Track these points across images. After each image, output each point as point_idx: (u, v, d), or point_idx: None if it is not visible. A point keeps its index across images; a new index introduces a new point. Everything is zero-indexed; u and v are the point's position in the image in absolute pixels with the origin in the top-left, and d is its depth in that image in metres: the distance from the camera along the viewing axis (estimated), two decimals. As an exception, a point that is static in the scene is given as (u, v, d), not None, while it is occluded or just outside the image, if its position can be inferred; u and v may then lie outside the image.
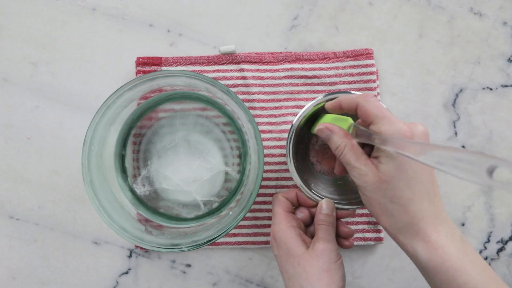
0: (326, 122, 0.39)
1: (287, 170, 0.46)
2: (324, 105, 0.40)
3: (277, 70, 0.47)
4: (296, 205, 0.41)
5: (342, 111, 0.37)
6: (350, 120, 0.37)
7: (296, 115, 0.47)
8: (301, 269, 0.36)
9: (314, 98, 0.46)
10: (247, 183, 0.41)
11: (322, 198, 0.40)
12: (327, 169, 0.46)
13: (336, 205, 0.40)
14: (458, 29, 0.48)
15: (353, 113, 0.36)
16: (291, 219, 0.39)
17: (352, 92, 0.39)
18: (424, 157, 0.27)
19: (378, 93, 0.47)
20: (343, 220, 0.46)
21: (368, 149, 0.36)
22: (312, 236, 0.39)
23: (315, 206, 0.40)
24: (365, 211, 0.46)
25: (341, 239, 0.40)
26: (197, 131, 0.45)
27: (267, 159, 0.46)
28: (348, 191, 0.43)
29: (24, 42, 0.48)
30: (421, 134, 0.32)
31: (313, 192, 0.40)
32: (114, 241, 0.47)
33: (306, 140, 0.45)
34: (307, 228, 0.41)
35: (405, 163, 0.32)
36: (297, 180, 0.40)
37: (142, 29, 0.48)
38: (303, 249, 0.36)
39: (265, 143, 0.46)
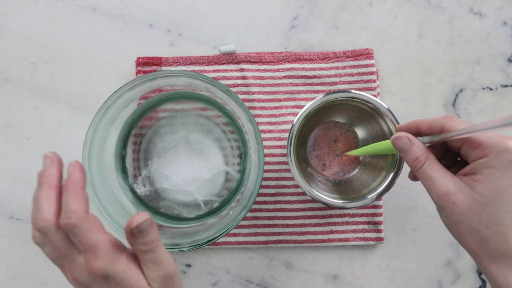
0: (370, 148, 0.38)
1: (287, 170, 0.46)
2: (323, 106, 0.40)
3: (277, 70, 0.47)
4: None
5: (418, 134, 0.33)
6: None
7: (296, 115, 0.47)
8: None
9: (314, 98, 0.47)
10: (247, 183, 0.41)
11: (326, 198, 0.40)
12: (328, 169, 0.46)
13: (338, 205, 0.40)
14: (458, 29, 0.48)
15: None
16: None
17: (353, 91, 0.39)
18: None
19: (378, 93, 0.47)
20: (346, 215, 0.46)
21: (452, 169, 0.31)
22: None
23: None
24: (365, 211, 0.46)
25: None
26: (198, 131, 0.45)
27: (267, 159, 0.46)
28: (349, 191, 0.43)
29: (24, 42, 0.48)
30: None
31: (315, 192, 0.40)
32: (114, 241, 0.47)
33: (306, 140, 0.45)
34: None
35: (508, 185, 0.27)
36: (298, 180, 0.40)
37: (142, 29, 0.48)
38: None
39: (265, 143, 0.46)
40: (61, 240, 0.28)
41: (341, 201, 0.40)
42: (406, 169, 0.39)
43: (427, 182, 0.30)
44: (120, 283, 0.27)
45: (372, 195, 0.40)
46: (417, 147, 0.31)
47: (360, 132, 0.45)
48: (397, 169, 0.40)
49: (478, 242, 0.29)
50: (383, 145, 0.37)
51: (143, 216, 0.28)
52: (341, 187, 0.44)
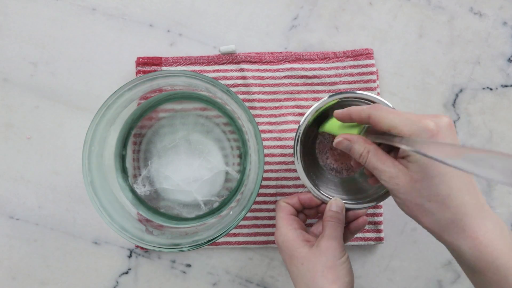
0: (334, 127, 0.39)
1: (287, 170, 0.46)
2: (329, 105, 0.40)
3: (277, 70, 0.47)
4: (300, 209, 0.41)
5: (351, 121, 0.36)
6: (359, 125, 0.36)
7: (297, 115, 0.47)
8: (305, 268, 0.35)
9: (314, 98, 0.47)
10: (247, 183, 0.41)
11: (331, 198, 0.40)
12: (334, 169, 0.46)
13: (346, 205, 0.40)
14: (458, 29, 0.48)
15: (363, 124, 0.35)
16: (292, 221, 0.39)
17: (357, 91, 0.39)
18: (458, 161, 0.24)
19: (378, 93, 0.47)
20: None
21: (393, 152, 0.34)
22: (319, 234, 0.39)
23: (321, 205, 0.40)
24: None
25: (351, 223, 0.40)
26: (198, 131, 0.45)
27: (267, 159, 0.46)
28: (356, 191, 0.43)
29: (24, 42, 0.48)
30: (448, 128, 0.30)
31: (321, 193, 0.40)
32: (114, 241, 0.47)
33: (311, 140, 0.45)
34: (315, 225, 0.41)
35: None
36: (305, 180, 0.40)
37: (142, 29, 0.48)
38: (306, 249, 0.36)
39: (265, 143, 0.46)
40: None
41: (349, 202, 0.40)
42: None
43: (374, 172, 0.33)
44: None
45: (378, 195, 0.40)
46: (358, 145, 0.35)
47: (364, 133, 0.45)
48: None
49: (425, 216, 0.31)
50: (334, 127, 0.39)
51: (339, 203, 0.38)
52: (349, 187, 0.44)
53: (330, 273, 0.35)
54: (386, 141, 0.32)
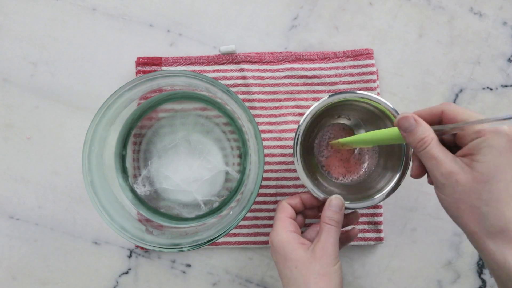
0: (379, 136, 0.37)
1: (287, 170, 0.46)
2: (329, 105, 0.40)
3: (277, 70, 0.47)
4: (301, 209, 0.41)
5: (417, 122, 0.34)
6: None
7: (297, 115, 0.47)
8: (298, 272, 0.35)
9: (314, 98, 0.47)
10: (247, 182, 0.41)
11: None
12: (333, 169, 0.46)
13: (349, 205, 0.40)
14: (458, 29, 0.48)
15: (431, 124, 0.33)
16: (289, 224, 0.38)
17: (358, 91, 0.39)
18: None
19: (378, 93, 0.47)
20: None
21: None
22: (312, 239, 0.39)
23: (323, 205, 0.39)
24: (365, 211, 0.46)
25: (344, 230, 0.40)
26: (198, 131, 0.45)
27: (267, 159, 0.46)
28: (355, 191, 0.43)
29: (24, 42, 0.48)
30: None
31: (321, 193, 0.40)
32: (114, 241, 0.47)
33: (311, 141, 0.45)
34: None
35: (505, 163, 0.29)
36: (305, 180, 0.40)
37: (142, 29, 0.48)
38: (301, 252, 0.36)
39: (265, 143, 0.46)
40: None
41: (347, 202, 0.40)
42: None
43: (431, 162, 0.31)
44: None
45: (379, 195, 0.40)
46: (423, 127, 0.32)
47: (361, 130, 0.45)
48: (403, 169, 0.40)
49: (478, 219, 0.30)
50: (384, 133, 0.36)
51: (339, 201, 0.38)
52: (347, 187, 0.44)
53: (323, 280, 0.34)
54: (457, 126, 0.30)
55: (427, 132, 0.32)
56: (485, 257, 0.30)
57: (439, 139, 0.33)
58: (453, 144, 0.34)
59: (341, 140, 0.42)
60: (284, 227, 0.38)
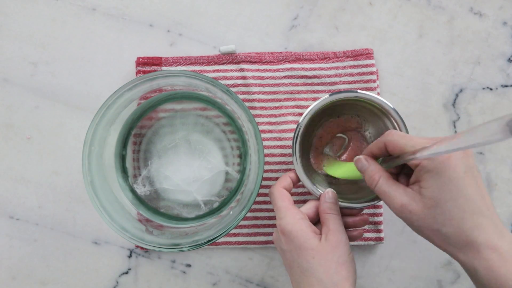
0: (348, 171, 0.40)
1: (287, 170, 0.46)
2: (327, 105, 0.40)
3: (277, 70, 0.47)
4: (292, 188, 0.41)
5: (377, 157, 0.37)
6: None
7: (297, 115, 0.47)
8: (316, 262, 0.35)
9: (314, 98, 0.47)
10: (247, 182, 0.41)
11: None
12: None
13: (343, 205, 0.40)
14: (458, 29, 0.48)
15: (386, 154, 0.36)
16: (297, 211, 0.38)
17: (359, 91, 0.39)
18: (457, 143, 0.26)
19: (378, 93, 0.47)
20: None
21: (404, 180, 0.35)
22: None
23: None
24: (364, 210, 0.46)
25: (349, 230, 0.40)
26: (197, 131, 0.45)
27: (267, 159, 0.46)
28: (352, 191, 0.43)
29: (24, 42, 0.48)
30: (462, 153, 0.31)
31: (320, 192, 0.40)
32: (114, 241, 0.47)
33: (309, 140, 0.45)
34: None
35: (447, 183, 0.30)
36: (304, 179, 0.40)
37: (142, 29, 0.48)
38: (316, 241, 0.36)
39: (265, 143, 0.46)
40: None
41: (346, 201, 0.40)
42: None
43: (384, 197, 0.34)
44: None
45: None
46: (372, 167, 0.35)
47: (366, 132, 0.45)
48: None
49: (442, 240, 0.32)
50: (351, 170, 0.39)
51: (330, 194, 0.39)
52: (346, 186, 0.44)
53: (343, 269, 0.35)
54: (398, 161, 0.33)
55: (375, 171, 0.35)
56: (461, 266, 0.32)
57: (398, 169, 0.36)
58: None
59: (328, 170, 0.43)
60: (294, 216, 0.37)
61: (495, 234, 0.30)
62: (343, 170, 0.41)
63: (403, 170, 0.37)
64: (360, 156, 0.37)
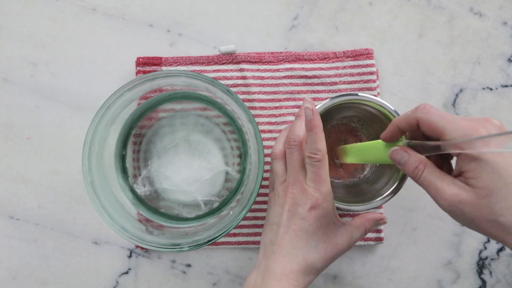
0: (356, 148, 0.38)
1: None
2: (330, 108, 0.40)
3: (277, 70, 0.47)
4: None
5: (400, 134, 0.34)
6: (401, 138, 0.34)
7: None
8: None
9: (314, 98, 0.47)
10: (247, 182, 0.41)
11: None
12: (334, 171, 0.45)
13: (351, 207, 0.39)
14: (458, 29, 0.48)
15: (410, 132, 0.33)
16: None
17: (360, 94, 0.39)
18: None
19: (378, 93, 0.47)
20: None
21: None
22: None
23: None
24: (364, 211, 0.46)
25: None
26: (198, 131, 0.45)
27: (267, 159, 0.46)
28: (356, 192, 0.43)
29: (24, 42, 0.48)
30: (497, 129, 0.29)
31: None
32: (114, 241, 0.47)
33: None
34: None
35: (497, 170, 0.28)
36: None
37: (142, 29, 0.48)
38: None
39: (265, 143, 0.46)
40: (298, 160, 0.36)
41: (347, 204, 0.40)
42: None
43: (430, 189, 0.31)
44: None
45: (380, 198, 0.40)
46: (414, 157, 0.32)
47: (368, 134, 0.45)
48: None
49: (501, 230, 0.29)
50: (376, 154, 0.37)
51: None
52: (348, 189, 0.44)
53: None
54: (438, 151, 0.30)
55: (419, 161, 0.31)
56: None
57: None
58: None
59: (346, 146, 0.41)
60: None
61: None
62: (364, 154, 0.38)
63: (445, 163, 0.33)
64: (397, 147, 0.33)
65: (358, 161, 0.40)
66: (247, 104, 0.47)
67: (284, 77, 0.47)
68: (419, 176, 0.31)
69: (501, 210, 0.28)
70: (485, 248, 0.47)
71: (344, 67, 0.47)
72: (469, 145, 0.27)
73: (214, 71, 0.47)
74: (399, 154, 0.32)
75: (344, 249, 0.36)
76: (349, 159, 0.41)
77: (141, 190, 0.43)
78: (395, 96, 0.48)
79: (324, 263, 0.35)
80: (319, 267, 0.35)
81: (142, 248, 0.47)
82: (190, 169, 0.44)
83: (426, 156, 0.32)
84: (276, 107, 0.47)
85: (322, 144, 0.35)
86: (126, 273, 0.47)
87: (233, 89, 0.47)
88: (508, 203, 0.28)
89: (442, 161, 0.33)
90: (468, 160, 0.29)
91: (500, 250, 0.47)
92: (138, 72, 0.47)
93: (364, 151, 0.39)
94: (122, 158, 0.44)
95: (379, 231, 0.46)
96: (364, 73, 0.46)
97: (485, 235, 0.31)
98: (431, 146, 0.30)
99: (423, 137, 0.33)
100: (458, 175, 0.30)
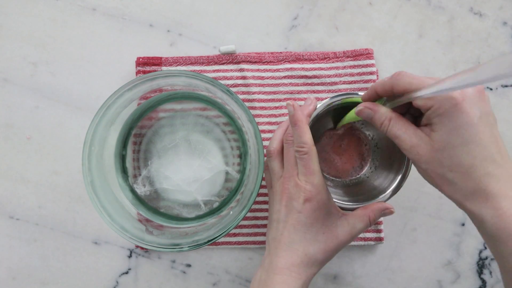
0: (352, 115, 0.38)
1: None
2: (328, 109, 0.40)
3: (277, 70, 0.47)
4: None
5: (378, 97, 0.35)
6: (380, 100, 0.35)
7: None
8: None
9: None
10: (247, 182, 0.41)
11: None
12: (335, 170, 0.45)
13: (348, 206, 0.39)
14: (458, 29, 0.48)
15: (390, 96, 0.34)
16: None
17: (360, 93, 0.39)
18: (465, 79, 0.24)
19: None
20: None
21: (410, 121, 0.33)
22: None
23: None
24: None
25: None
26: (197, 131, 0.45)
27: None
28: (356, 192, 0.43)
29: (24, 42, 0.48)
30: (476, 95, 0.29)
31: None
32: (114, 241, 0.47)
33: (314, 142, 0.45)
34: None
35: (459, 127, 0.29)
36: None
37: (142, 29, 0.48)
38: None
39: (265, 143, 0.46)
40: (293, 156, 0.36)
41: (347, 203, 0.40)
42: (413, 171, 0.39)
43: (395, 140, 0.32)
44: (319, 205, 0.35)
45: (381, 197, 0.40)
46: (379, 113, 0.33)
47: (369, 133, 0.45)
48: (405, 171, 0.40)
49: (448, 185, 0.30)
50: (353, 115, 0.38)
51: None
52: (348, 189, 0.44)
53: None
54: (402, 100, 0.31)
55: (383, 116, 0.33)
56: (468, 215, 0.31)
57: (406, 108, 0.34)
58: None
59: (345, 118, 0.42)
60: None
61: (508, 183, 0.29)
62: (350, 116, 0.40)
63: (409, 111, 0.35)
64: (360, 107, 0.34)
65: (347, 121, 0.41)
66: (247, 104, 0.47)
67: (284, 77, 0.47)
68: (385, 130, 0.33)
69: (451, 166, 0.30)
70: (485, 248, 0.47)
71: (344, 67, 0.47)
72: (421, 91, 0.28)
73: (214, 71, 0.47)
74: (365, 112, 0.34)
75: (345, 240, 0.36)
76: (342, 123, 0.42)
77: (141, 190, 0.43)
78: (395, 96, 0.48)
79: (325, 255, 0.35)
80: (320, 259, 0.35)
81: (142, 248, 0.47)
82: (190, 169, 0.44)
83: (396, 109, 0.33)
84: (276, 107, 0.47)
85: (306, 136, 0.35)
86: (126, 273, 0.47)
87: (233, 89, 0.47)
88: (459, 160, 0.29)
89: (404, 114, 0.34)
90: (435, 114, 0.30)
91: (500, 250, 0.47)
92: (138, 72, 0.47)
93: (351, 113, 0.39)
94: (122, 158, 0.44)
95: (379, 231, 0.46)
96: (364, 73, 0.46)
97: (436, 188, 0.32)
98: (396, 96, 0.32)
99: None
100: (425, 124, 0.31)
